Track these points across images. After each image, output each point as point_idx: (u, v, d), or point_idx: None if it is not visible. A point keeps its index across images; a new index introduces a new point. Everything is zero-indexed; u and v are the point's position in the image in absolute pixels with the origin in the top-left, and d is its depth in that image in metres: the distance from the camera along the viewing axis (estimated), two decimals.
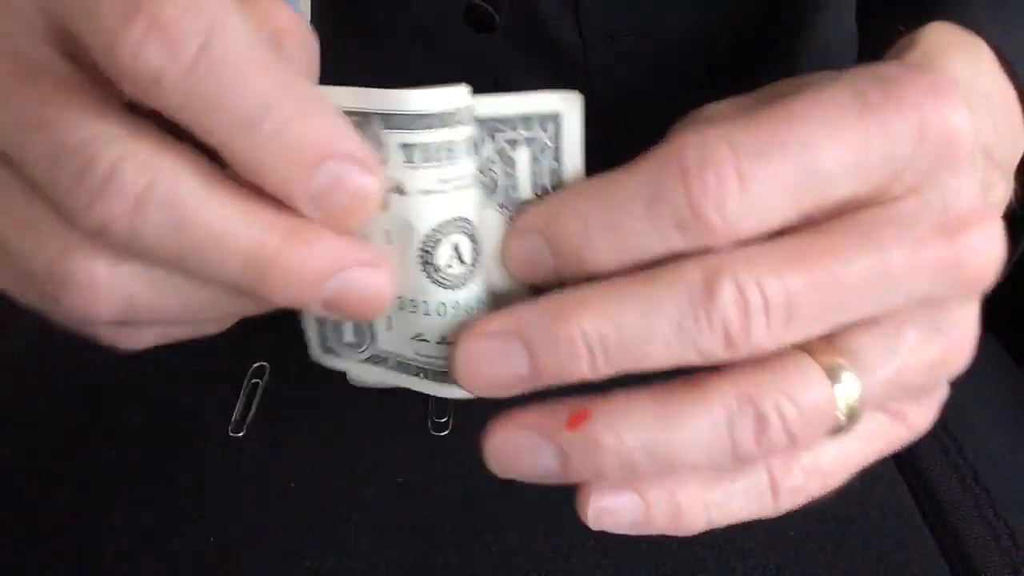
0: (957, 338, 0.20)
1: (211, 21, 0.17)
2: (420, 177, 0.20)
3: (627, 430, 0.19)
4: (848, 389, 0.19)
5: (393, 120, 0.19)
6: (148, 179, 0.17)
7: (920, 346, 0.20)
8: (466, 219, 0.20)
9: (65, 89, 0.18)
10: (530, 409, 0.20)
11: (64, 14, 0.18)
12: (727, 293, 0.18)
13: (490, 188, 0.20)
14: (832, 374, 0.19)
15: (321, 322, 0.23)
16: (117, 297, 0.19)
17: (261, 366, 0.40)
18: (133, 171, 0.17)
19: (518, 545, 0.32)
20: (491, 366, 0.20)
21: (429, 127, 0.19)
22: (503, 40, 0.49)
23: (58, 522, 0.34)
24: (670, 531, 0.21)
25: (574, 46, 0.48)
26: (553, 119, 0.20)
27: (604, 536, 0.33)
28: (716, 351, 0.18)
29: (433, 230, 0.20)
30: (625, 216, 0.18)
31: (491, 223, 0.21)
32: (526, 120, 0.20)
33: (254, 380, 0.40)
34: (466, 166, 0.20)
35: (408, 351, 0.22)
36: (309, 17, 0.60)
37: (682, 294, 0.18)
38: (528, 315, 0.19)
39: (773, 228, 0.18)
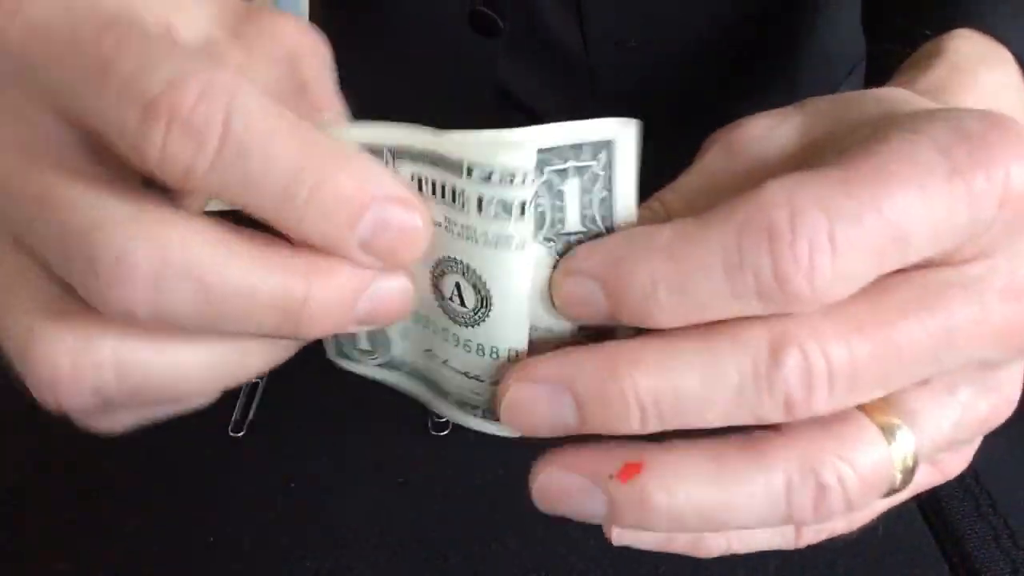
0: (1006, 394, 0.20)
1: (228, 101, 0.17)
2: (432, 208, 0.19)
3: (680, 489, 0.18)
4: (903, 448, 0.19)
5: (404, 152, 0.19)
6: (161, 256, 0.17)
7: (972, 404, 0.20)
8: (469, 267, 0.20)
9: (70, 169, 0.18)
10: (583, 451, 0.19)
11: (83, 116, 0.18)
12: (792, 361, 0.17)
13: (537, 224, 0.19)
14: (888, 433, 0.19)
15: None
16: (86, 387, 0.19)
17: None
18: (144, 251, 0.17)
19: (518, 545, 0.32)
20: (538, 411, 0.19)
21: (436, 165, 0.19)
22: (507, 46, 0.49)
23: (58, 522, 0.34)
24: (690, 553, 0.21)
25: (577, 51, 0.48)
26: (606, 146, 0.19)
27: (604, 536, 0.33)
28: (774, 417, 0.18)
29: (438, 260, 0.20)
30: (701, 279, 0.17)
31: (537, 257, 0.20)
32: (576, 149, 0.19)
33: (254, 380, 0.40)
34: (476, 222, 0.19)
35: (421, 362, 0.22)
36: (307, 17, 0.60)
37: (746, 360, 0.17)
38: (581, 366, 0.18)
39: (852, 292, 0.18)
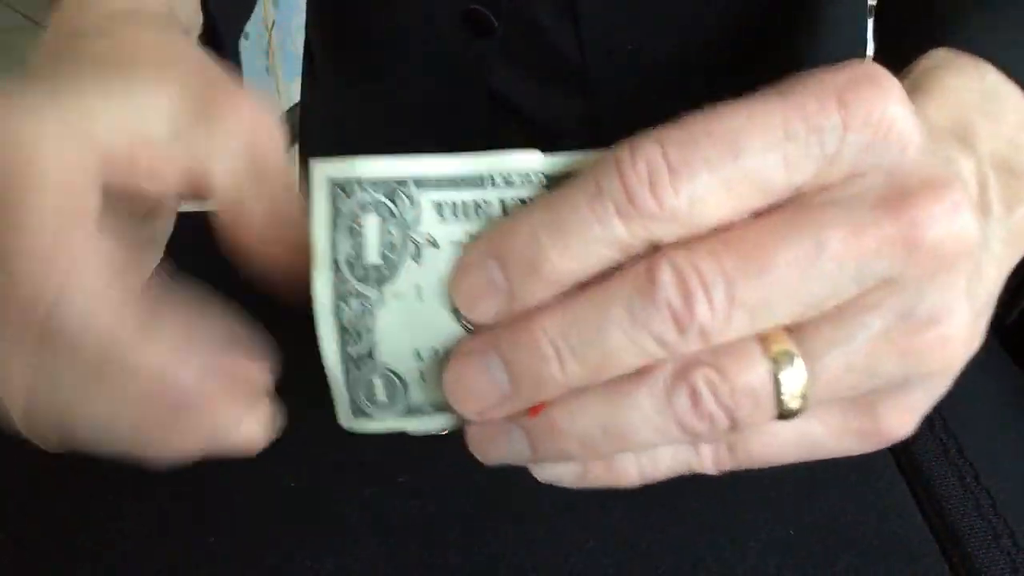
0: (940, 326, 0.20)
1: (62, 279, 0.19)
2: (452, 231, 0.21)
3: (580, 412, 0.20)
4: (796, 374, 0.20)
5: (428, 182, 0.21)
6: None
7: (886, 333, 0.20)
8: None
9: None
10: None
11: None
12: (666, 276, 0.19)
13: None
14: (781, 359, 0.19)
15: (351, 387, 0.23)
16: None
17: None
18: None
19: (518, 545, 0.32)
20: (474, 382, 0.21)
21: (457, 187, 0.21)
22: (501, 48, 0.48)
23: (57, 522, 0.34)
24: (609, 484, 0.23)
25: (573, 55, 0.48)
26: None
27: (604, 536, 0.33)
28: (670, 336, 0.19)
29: None
30: (570, 213, 0.19)
31: None
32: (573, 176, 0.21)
33: None
34: (497, 220, 0.21)
35: (441, 395, 0.23)
36: (304, 17, 0.60)
37: (628, 283, 0.19)
38: (500, 329, 0.20)
39: (714, 219, 0.19)
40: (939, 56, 0.27)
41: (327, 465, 0.36)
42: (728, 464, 0.23)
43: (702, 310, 0.19)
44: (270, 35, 1.72)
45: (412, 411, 0.23)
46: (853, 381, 0.20)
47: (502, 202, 0.21)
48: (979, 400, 0.38)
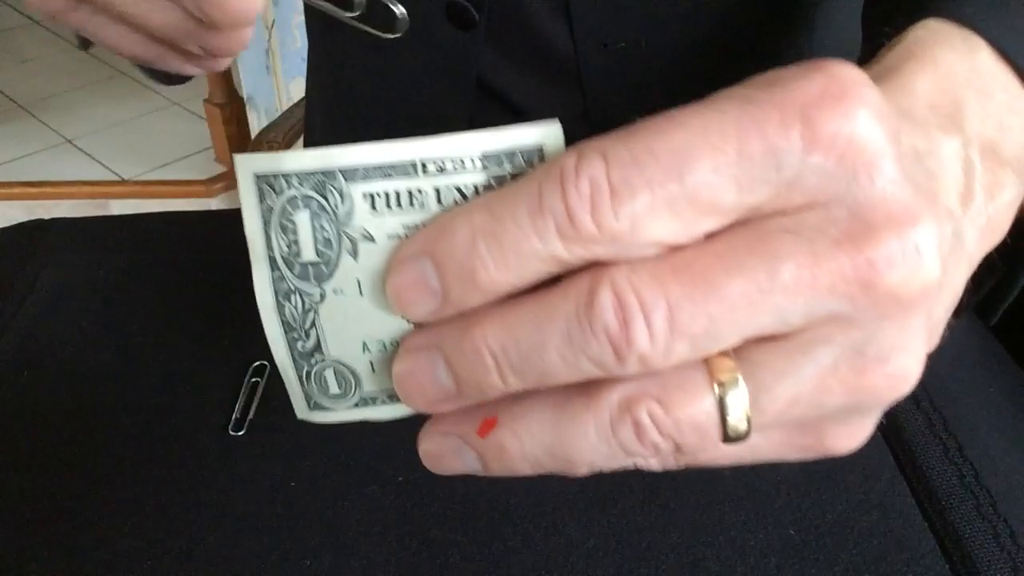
0: (890, 365, 0.19)
1: None
2: (387, 224, 0.20)
3: (528, 436, 0.20)
4: (740, 398, 0.19)
5: (354, 173, 0.20)
6: None
7: (835, 368, 0.19)
8: None
9: None
10: (451, 415, 0.21)
11: None
12: (605, 299, 0.18)
13: None
14: (727, 384, 0.19)
15: (303, 381, 0.23)
16: None
17: (261, 365, 0.40)
18: None
19: (518, 545, 0.32)
20: (420, 379, 0.20)
21: (388, 176, 0.20)
22: (491, 42, 0.48)
23: (57, 522, 0.34)
24: (562, 472, 0.22)
25: (566, 49, 0.48)
26: (538, 152, 0.20)
27: (604, 536, 0.33)
28: (608, 362, 0.18)
29: None
30: (511, 224, 0.18)
31: None
32: (511, 155, 0.20)
33: (254, 379, 0.40)
34: (433, 210, 0.20)
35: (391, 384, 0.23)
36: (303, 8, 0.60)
37: (569, 303, 0.18)
38: (445, 330, 0.20)
39: (659, 240, 0.18)
40: (930, 26, 0.26)
41: (327, 465, 0.36)
42: (673, 467, 0.22)
43: (641, 338, 0.18)
44: (270, 35, 1.72)
45: (367, 401, 0.23)
46: (800, 412, 0.20)
47: (437, 191, 0.20)
48: (979, 400, 0.38)
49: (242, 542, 0.33)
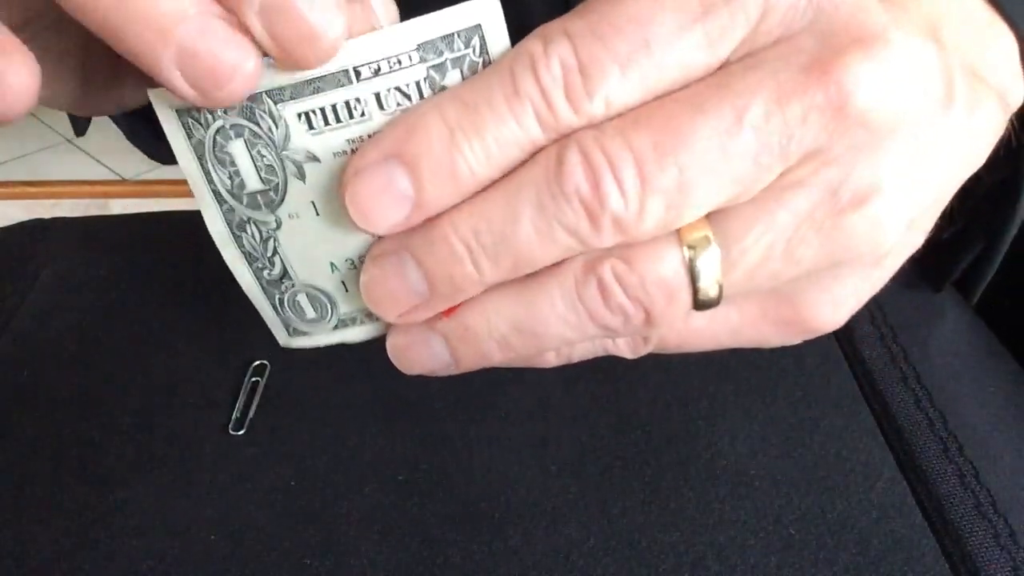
0: (867, 206, 0.18)
1: None
2: (329, 141, 0.19)
3: (493, 311, 0.19)
4: (711, 260, 0.18)
5: (281, 93, 0.19)
6: None
7: (810, 214, 0.18)
8: None
9: None
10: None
11: None
12: (573, 160, 0.17)
13: None
14: (697, 245, 0.18)
15: (278, 309, 0.22)
16: None
17: (261, 364, 0.40)
18: None
19: (518, 545, 0.32)
20: (390, 285, 0.20)
21: (319, 91, 0.19)
22: None
23: (57, 521, 0.34)
24: (531, 364, 0.22)
25: None
26: (476, 31, 0.19)
27: (604, 536, 0.33)
28: (583, 229, 0.18)
29: None
30: (487, 112, 0.18)
31: None
32: (448, 40, 0.19)
33: (254, 379, 0.40)
34: (376, 117, 0.19)
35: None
36: None
37: (538, 171, 0.18)
38: (413, 230, 0.19)
39: (629, 105, 0.18)
40: None
41: (327, 465, 0.36)
42: (643, 351, 0.21)
43: (613, 195, 0.17)
44: None
45: (345, 322, 0.22)
46: (774, 267, 0.19)
47: (376, 96, 0.19)
48: (979, 400, 0.38)
49: (242, 542, 0.33)
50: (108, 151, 2.06)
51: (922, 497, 0.34)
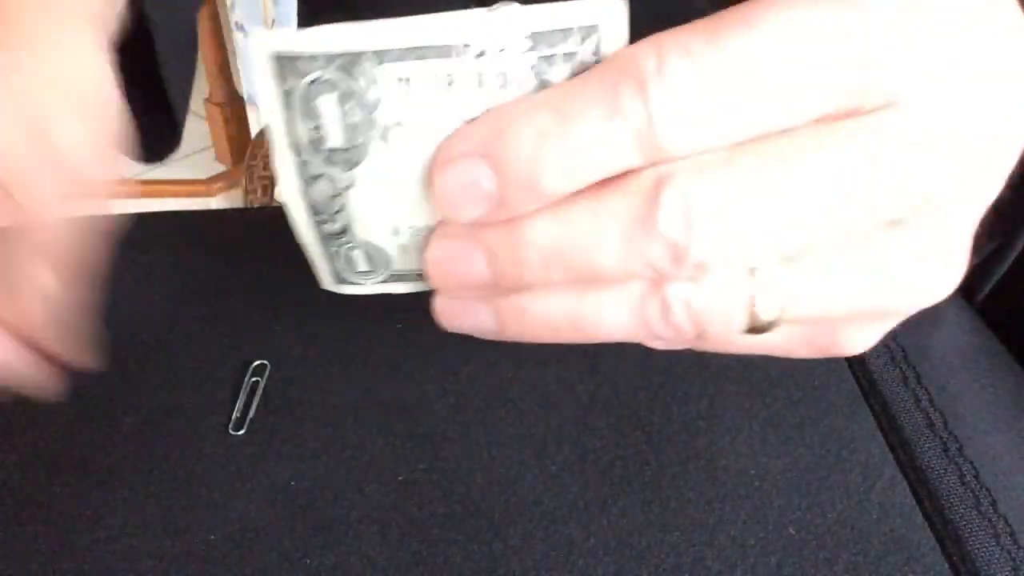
0: (930, 264, 0.19)
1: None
2: (421, 109, 0.19)
3: (553, 303, 0.19)
4: (777, 297, 0.18)
5: (386, 54, 0.18)
6: None
7: (867, 264, 0.19)
8: None
9: None
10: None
11: None
12: (670, 201, 0.17)
13: None
14: (766, 283, 0.18)
15: (331, 256, 0.22)
16: None
17: (261, 365, 0.40)
18: None
19: (518, 545, 0.32)
20: (457, 268, 0.20)
21: (423, 58, 0.18)
22: None
23: (57, 522, 0.34)
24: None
25: None
26: (594, 31, 0.18)
27: (604, 536, 0.33)
28: (664, 265, 0.18)
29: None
30: (582, 129, 0.17)
31: None
32: (565, 33, 0.18)
33: (254, 379, 0.40)
34: (473, 96, 0.19)
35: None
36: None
37: (631, 201, 0.18)
38: (486, 226, 0.19)
39: (736, 143, 0.17)
40: None
41: (327, 465, 0.36)
42: (676, 347, 0.21)
43: (704, 245, 0.17)
44: None
45: (395, 278, 0.22)
46: (834, 312, 0.19)
47: (479, 75, 0.18)
48: (979, 400, 0.38)
49: (242, 542, 0.33)
50: None
51: (922, 497, 0.34)
